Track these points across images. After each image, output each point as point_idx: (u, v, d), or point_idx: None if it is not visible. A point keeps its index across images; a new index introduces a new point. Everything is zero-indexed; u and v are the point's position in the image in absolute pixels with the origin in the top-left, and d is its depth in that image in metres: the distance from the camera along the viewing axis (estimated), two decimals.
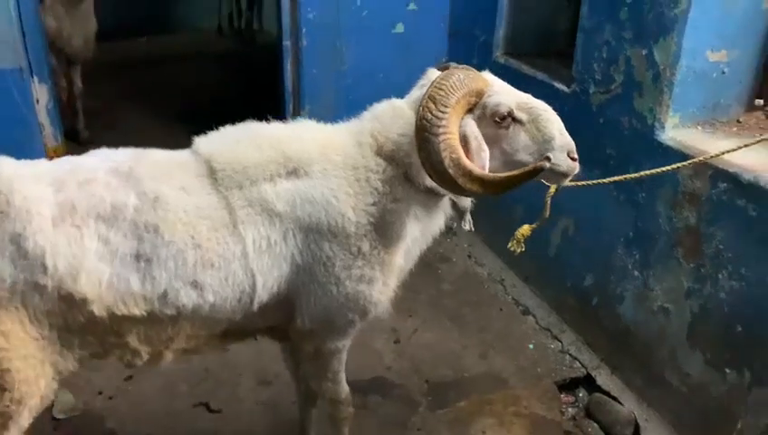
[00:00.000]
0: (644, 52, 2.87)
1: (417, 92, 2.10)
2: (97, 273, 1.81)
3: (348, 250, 2.05)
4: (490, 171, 1.90)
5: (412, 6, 4.50)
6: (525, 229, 2.52)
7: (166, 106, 6.77)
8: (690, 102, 2.84)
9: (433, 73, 2.08)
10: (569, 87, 3.41)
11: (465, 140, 1.90)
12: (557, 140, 1.98)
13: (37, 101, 4.02)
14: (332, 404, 2.50)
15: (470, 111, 1.96)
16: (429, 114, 1.83)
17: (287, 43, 4.43)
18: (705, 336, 2.76)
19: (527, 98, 2.03)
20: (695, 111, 2.87)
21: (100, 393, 3.15)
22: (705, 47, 2.75)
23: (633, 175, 2.55)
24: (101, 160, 1.98)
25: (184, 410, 3.09)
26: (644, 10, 2.85)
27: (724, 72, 2.85)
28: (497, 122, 1.97)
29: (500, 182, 1.86)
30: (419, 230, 2.18)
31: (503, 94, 1.99)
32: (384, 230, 2.08)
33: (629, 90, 2.99)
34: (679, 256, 2.82)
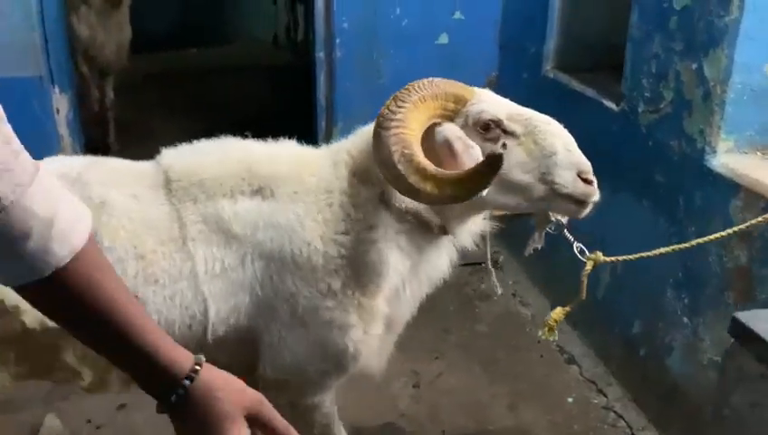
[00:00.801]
0: (694, 66, 2.80)
1: None
2: None
3: (314, 287, 1.98)
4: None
5: (458, 15, 4.55)
6: (558, 313, 2.34)
7: (207, 120, 7.06)
8: (746, 124, 2.74)
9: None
10: (617, 105, 3.36)
11: (447, 144, 1.84)
12: (560, 156, 1.86)
13: (57, 111, 4.32)
14: None
15: (451, 119, 1.91)
16: (386, 110, 1.81)
17: (320, 54, 4.57)
18: None
19: (524, 110, 1.95)
20: (752, 133, 2.76)
21: (89, 422, 3.29)
22: (762, 60, 2.66)
23: (703, 239, 2.28)
24: (52, 164, 1.99)
25: None
26: (693, 18, 2.79)
27: None
28: (481, 133, 1.89)
29: (456, 180, 1.74)
30: (408, 267, 2.08)
31: (489, 103, 1.92)
32: (359, 265, 1.99)
33: (679, 109, 2.92)
34: (730, 300, 2.70)
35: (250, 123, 7.07)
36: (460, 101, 1.90)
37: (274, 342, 2.04)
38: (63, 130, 4.34)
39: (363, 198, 2.00)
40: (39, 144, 4.32)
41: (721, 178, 2.70)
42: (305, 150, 2.18)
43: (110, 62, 5.74)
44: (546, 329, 2.35)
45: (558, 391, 3.60)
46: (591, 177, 1.89)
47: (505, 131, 1.89)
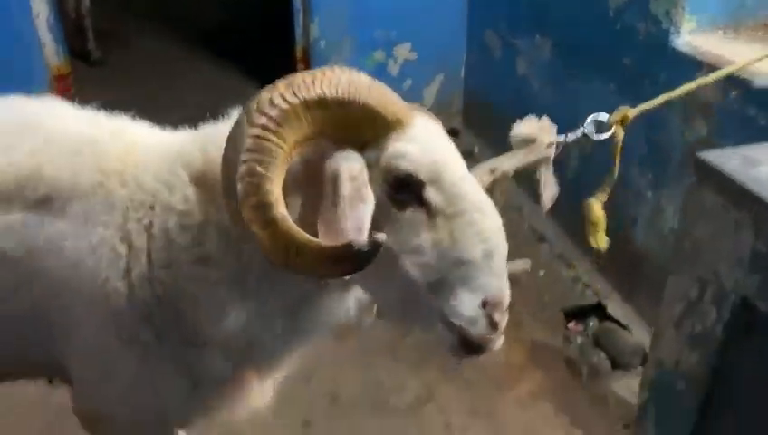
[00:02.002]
0: None
1: None
2: None
3: (113, 334, 1.45)
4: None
5: None
6: (598, 210, 1.79)
7: (185, 27, 6.84)
8: (708, 4, 2.71)
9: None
10: None
11: (333, 182, 1.20)
12: (474, 270, 1.23)
13: (37, 15, 4.13)
14: None
15: (362, 147, 1.26)
16: (264, 93, 1.17)
17: None
18: None
19: (461, 178, 1.27)
20: (715, 13, 2.74)
21: None
22: None
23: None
24: None
25: None
26: None
27: None
28: (389, 188, 1.26)
29: (298, 245, 1.12)
30: (276, 314, 1.44)
31: (419, 148, 1.25)
32: (183, 309, 1.42)
33: None
34: (692, 172, 2.75)
35: (233, 25, 6.91)
36: (382, 128, 1.25)
37: (78, 377, 1.60)
38: (45, 35, 4.17)
39: (198, 219, 1.39)
40: (21, 51, 4.17)
41: (685, 56, 2.70)
42: (139, 138, 1.55)
43: None
44: (597, 235, 1.84)
45: (530, 267, 3.70)
46: (500, 317, 1.26)
47: (421, 200, 1.25)
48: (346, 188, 1.19)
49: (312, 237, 1.13)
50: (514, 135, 1.70)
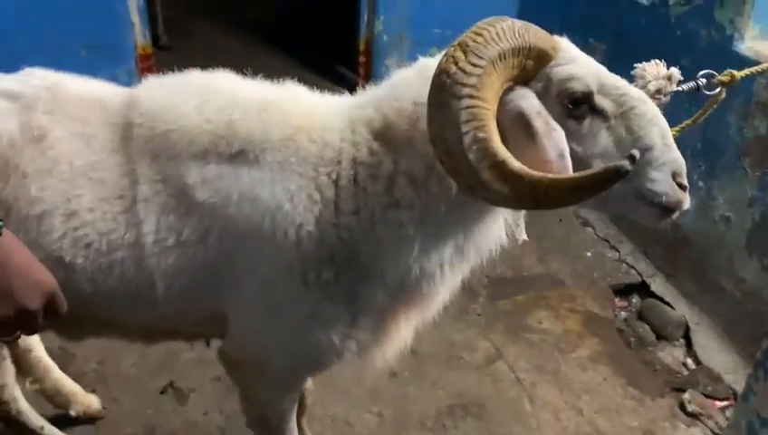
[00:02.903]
0: None
1: None
2: None
3: (299, 276, 1.50)
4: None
5: None
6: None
7: (244, 20, 6.94)
8: None
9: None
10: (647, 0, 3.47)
11: (521, 120, 1.28)
12: (657, 151, 1.34)
13: None
14: None
15: (526, 82, 1.34)
16: (453, 66, 1.21)
17: None
18: (763, 243, 2.90)
19: (616, 80, 1.39)
20: None
21: None
22: None
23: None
24: (2, 80, 1.61)
25: None
26: None
27: None
28: (567, 108, 1.33)
29: (547, 185, 1.19)
30: (451, 248, 1.53)
31: (579, 66, 1.35)
32: (367, 250, 1.50)
33: (711, 1, 3.05)
34: (746, 165, 2.94)
35: (290, 18, 7.00)
36: (541, 60, 1.33)
37: (240, 325, 1.64)
38: (135, 16, 4.31)
39: (389, 169, 1.46)
40: (114, 29, 4.31)
41: (747, 60, 2.87)
42: (314, 101, 1.63)
43: None
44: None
45: (577, 247, 3.89)
46: (685, 181, 1.39)
47: (593, 108, 1.35)
48: (538, 124, 1.27)
49: (558, 175, 1.21)
50: (633, 73, 1.69)
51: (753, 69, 1.79)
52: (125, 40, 4.29)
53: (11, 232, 1.10)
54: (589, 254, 3.84)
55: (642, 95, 1.40)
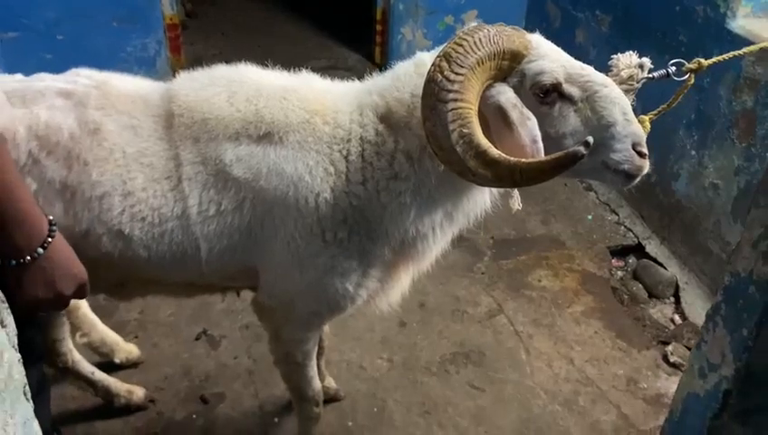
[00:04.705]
0: None
1: None
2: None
3: (319, 236, 1.77)
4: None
5: None
6: (646, 125, 1.77)
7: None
8: None
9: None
10: None
11: (500, 112, 1.53)
12: (619, 127, 1.56)
13: None
14: (297, 400, 2.29)
15: (504, 78, 1.58)
16: (439, 75, 1.46)
17: None
18: (747, 209, 3.08)
19: (581, 68, 1.61)
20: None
21: None
22: None
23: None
24: (55, 80, 1.81)
25: None
26: None
27: None
28: (539, 97, 1.57)
29: (521, 169, 1.44)
30: (441, 214, 1.81)
31: (548, 60, 1.57)
32: (373, 215, 1.77)
33: None
34: (734, 136, 3.11)
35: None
36: (515, 58, 1.56)
37: (270, 277, 1.90)
38: None
39: (391, 147, 1.73)
40: (143, 3, 4.50)
41: (737, 37, 3.01)
42: (327, 88, 1.87)
43: None
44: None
45: (579, 211, 4.09)
46: (645, 149, 1.60)
47: (562, 95, 1.58)
48: (514, 115, 1.51)
49: (529, 159, 1.46)
50: (609, 63, 1.84)
51: (719, 57, 1.99)
52: (153, 10, 4.49)
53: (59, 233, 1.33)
54: (590, 217, 4.04)
55: (605, 79, 1.61)
